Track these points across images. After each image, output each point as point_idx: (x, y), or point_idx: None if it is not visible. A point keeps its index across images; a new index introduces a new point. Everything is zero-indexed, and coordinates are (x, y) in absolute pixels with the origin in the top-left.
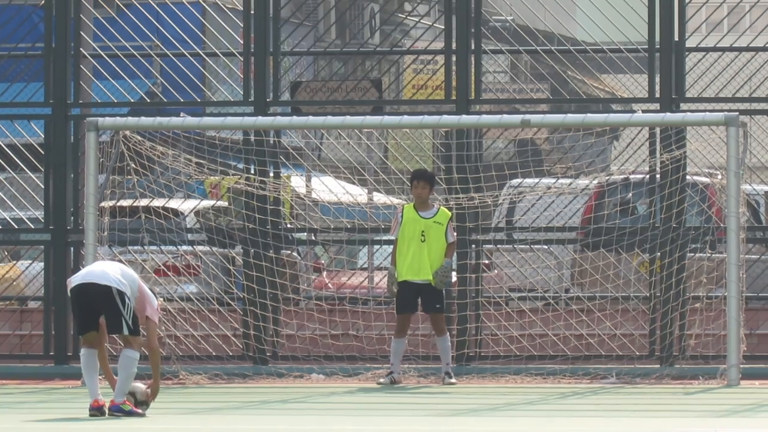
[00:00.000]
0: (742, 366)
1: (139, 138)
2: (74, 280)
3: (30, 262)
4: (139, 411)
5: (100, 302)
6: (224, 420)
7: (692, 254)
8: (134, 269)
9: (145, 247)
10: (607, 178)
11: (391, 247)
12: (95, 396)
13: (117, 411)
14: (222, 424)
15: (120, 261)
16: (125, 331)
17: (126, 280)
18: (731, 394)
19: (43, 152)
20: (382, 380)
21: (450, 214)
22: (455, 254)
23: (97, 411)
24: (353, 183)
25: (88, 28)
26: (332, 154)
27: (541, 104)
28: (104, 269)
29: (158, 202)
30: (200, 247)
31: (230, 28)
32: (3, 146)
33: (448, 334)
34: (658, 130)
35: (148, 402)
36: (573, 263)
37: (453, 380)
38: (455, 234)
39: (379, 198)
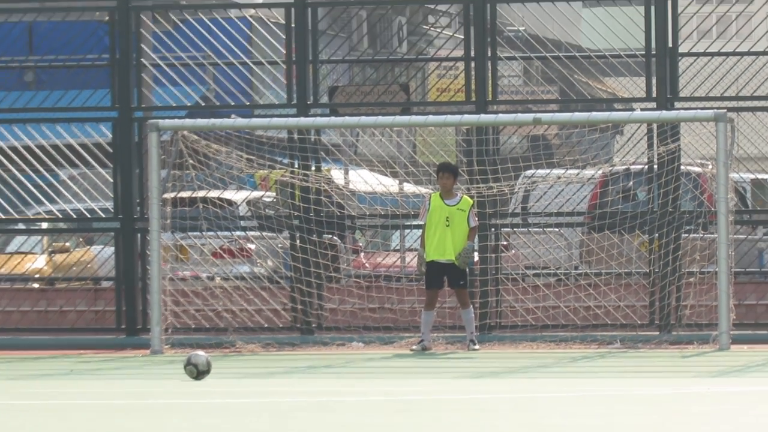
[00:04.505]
0: (732, 332)
1: (196, 137)
2: None
3: (102, 246)
4: None
5: None
6: (276, 383)
7: (686, 235)
8: (194, 252)
9: (203, 233)
10: (610, 168)
11: (420, 231)
12: None
13: None
14: (274, 386)
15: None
16: None
17: None
18: (723, 357)
19: (111, 150)
20: (414, 347)
21: (472, 201)
22: (477, 237)
23: None
24: (386, 175)
25: (148, 40)
26: (367, 150)
27: (551, 104)
28: None
29: (214, 193)
30: (252, 233)
31: (274, 39)
32: (76, 146)
33: (471, 307)
34: (655, 126)
35: (209, 370)
36: (581, 244)
37: (477, 347)
38: (477, 219)
39: (409, 188)
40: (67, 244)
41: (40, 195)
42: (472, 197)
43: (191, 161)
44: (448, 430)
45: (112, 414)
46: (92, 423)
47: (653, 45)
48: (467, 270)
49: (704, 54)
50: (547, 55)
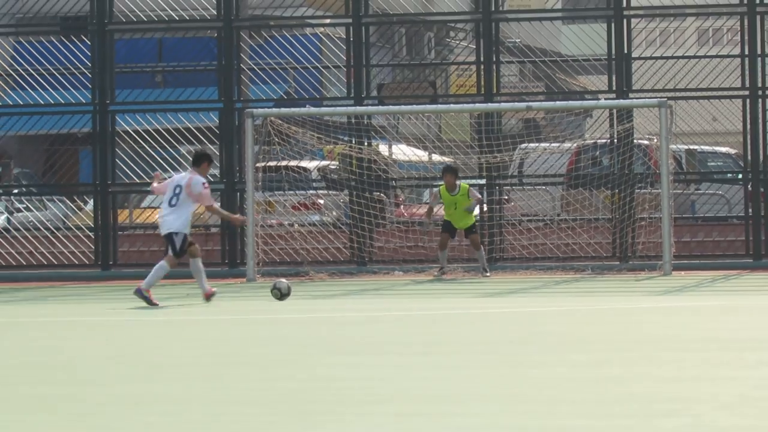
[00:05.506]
0: (672, 262)
1: (280, 122)
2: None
3: None
4: (155, 301)
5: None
6: (339, 301)
7: (639, 190)
8: (279, 206)
9: (285, 192)
10: (582, 142)
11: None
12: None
13: (139, 293)
14: (337, 305)
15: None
16: (170, 252)
17: (180, 218)
18: (666, 280)
19: (218, 132)
20: (436, 273)
21: (467, 186)
22: (478, 198)
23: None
24: (419, 148)
25: (245, 51)
26: (405, 130)
27: (539, 95)
28: (168, 220)
29: (293, 163)
30: (321, 191)
31: (337, 49)
32: (192, 129)
33: (483, 249)
34: (615, 111)
35: (290, 293)
36: (561, 197)
37: (488, 274)
38: (476, 193)
39: (436, 158)
40: None
41: (165, 165)
42: (480, 163)
43: (276, 139)
44: (467, 335)
45: (217, 326)
46: (203, 333)
47: (613, 51)
48: (476, 223)
49: (650, 58)
50: (536, 59)
